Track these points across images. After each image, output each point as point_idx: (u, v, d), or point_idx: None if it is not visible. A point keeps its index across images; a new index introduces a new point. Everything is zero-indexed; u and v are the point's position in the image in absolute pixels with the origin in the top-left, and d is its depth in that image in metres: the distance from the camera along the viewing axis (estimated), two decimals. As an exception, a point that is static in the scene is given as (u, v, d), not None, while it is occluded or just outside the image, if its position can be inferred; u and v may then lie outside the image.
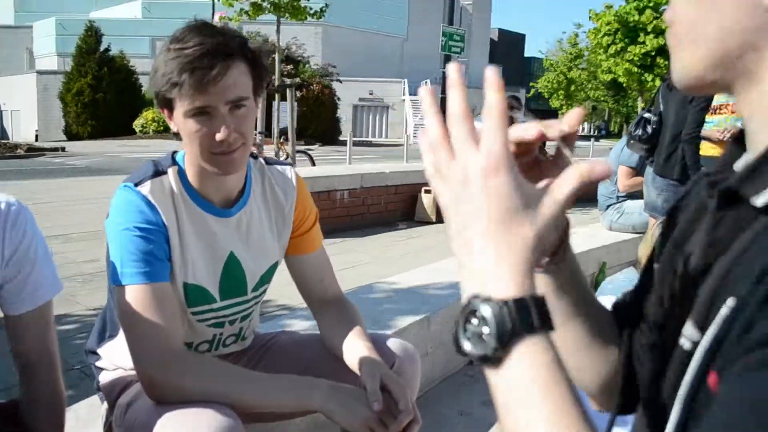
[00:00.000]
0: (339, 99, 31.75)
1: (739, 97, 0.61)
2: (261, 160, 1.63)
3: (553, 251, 0.77)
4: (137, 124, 29.65)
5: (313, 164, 10.58)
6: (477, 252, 0.54)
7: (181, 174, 1.47)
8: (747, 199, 0.57)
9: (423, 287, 3.23)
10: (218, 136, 1.33)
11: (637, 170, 5.06)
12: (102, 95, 29.64)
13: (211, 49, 1.29)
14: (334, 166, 10.41)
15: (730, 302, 0.51)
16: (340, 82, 32.09)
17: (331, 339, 1.62)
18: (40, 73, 36.21)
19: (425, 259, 4.44)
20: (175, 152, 1.51)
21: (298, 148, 10.09)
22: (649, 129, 4.19)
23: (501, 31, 72.32)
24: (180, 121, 1.35)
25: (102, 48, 30.59)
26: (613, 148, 5.53)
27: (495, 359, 0.52)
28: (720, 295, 0.54)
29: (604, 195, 5.36)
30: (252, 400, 1.34)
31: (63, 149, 22.23)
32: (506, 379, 0.52)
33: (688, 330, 0.60)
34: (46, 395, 1.35)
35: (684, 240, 0.71)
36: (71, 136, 30.25)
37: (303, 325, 2.45)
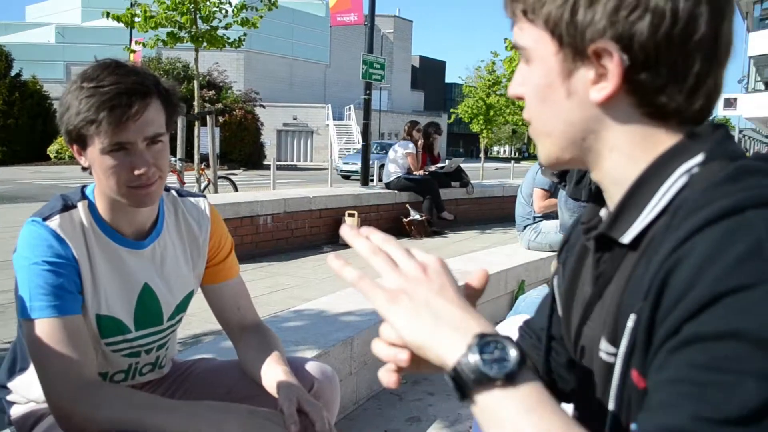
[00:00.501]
0: (262, 124, 31.63)
1: (590, 167, 0.80)
2: (173, 192, 1.65)
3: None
4: (52, 150, 28.64)
5: (236, 189, 10.48)
6: (454, 314, 0.67)
7: (92, 208, 1.47)
8: (616, 240, 0.75)
9: (346, 309, 3.27)
10: (137, 171, 1.35)
11: (551, 192, 5.28)
12: (14, 120, 28.53)
13: (129, 88, 1.32)
14: (257, 191, 10.34)
15: (632, 317, 0.67)
16: (263, 107, 32.00)
17: (250, 365, 1.63)
18: (-55, 98, 34.45)
19: (346, 284, 4.48)
20: (84, 186, 1.51)
21: (220, 173, 9.97)
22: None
23: (422, 58, 73.77)
24: (95, 156, 1.36)
25: (13, 73, 29.52)
26: (529, 170, 5.75)
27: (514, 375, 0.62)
28: (622, 315, 0.70)
29: (521, 216, 5.55)
30: (168, 428, 1.34)
31: (-30, 177, 21.19)
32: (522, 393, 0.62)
33: (604, 345, 0.76)
34: None
35: (576, 274, 0.90)
36: (-21, 163, 28.91)
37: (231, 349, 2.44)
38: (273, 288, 5.42)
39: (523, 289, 4.72)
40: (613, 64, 0.70)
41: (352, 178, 21.27)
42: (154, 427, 1.32)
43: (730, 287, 0.56)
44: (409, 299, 0.68)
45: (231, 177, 10.98)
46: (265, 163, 30.11)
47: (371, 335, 3.02)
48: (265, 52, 42.86)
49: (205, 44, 8.80)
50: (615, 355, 0.71)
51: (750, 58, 30.44)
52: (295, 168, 32.68)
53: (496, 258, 5.08)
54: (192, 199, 1.68)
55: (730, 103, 22.29)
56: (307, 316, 3.18)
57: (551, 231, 5.24)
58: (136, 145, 1.35)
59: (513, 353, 0.62)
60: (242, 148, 29.59)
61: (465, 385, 0.62)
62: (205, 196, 1.73)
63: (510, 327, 1.21)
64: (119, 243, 1.49)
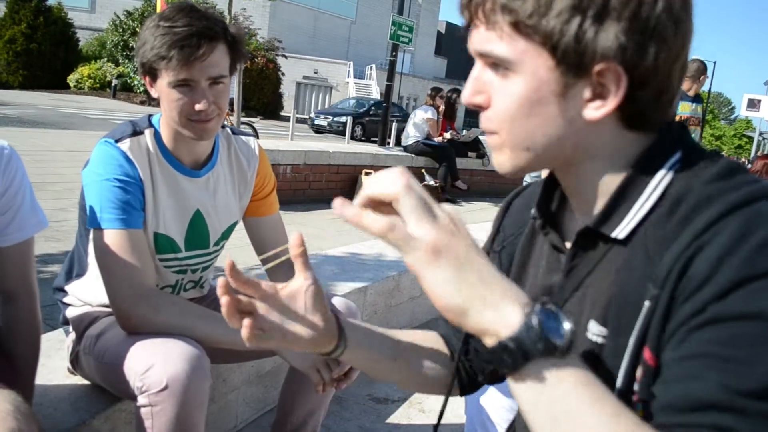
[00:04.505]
0: (283, 74, 31.47)
1: (559, 172, 0.81)
2: (228, 129, 1.80)
3: (332, 349, 0.88)
4: (72, 79, 28.62)
5: (257, 137, 10.59)
6: (497, 278, 0.64)
7: (157, 136, 1.62)
8: (605, 235, 0.76)
9: (360, 261, 3.43)
10: (198, 107, 1.50)
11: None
12: (36, 45, 28.44)
13: (199, 31, 1.47)
14: (277, 140, 10.46)
15: (647, 303, 0.67)
16: (286, 57, 31.77)
17: (283, 294, 1.79)
18: (-31, 16, 34.35)
19: (361, 238, 4.63)
20: (151, 115, 1.66)
21: (242, 119, 10.09)
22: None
23: (449, 24, 72.81)
24: (163, 89, 1.52)
25: (39, -3, 29.36)
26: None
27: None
28: (622, 301, 0.71)
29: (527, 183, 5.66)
30: (217, 337, 1.50)
31: (-9, 98, 21.30)
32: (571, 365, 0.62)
33: (595, 328, 0.75)
34: (25, 322, 1.44)
35: (525, 264, 0.92)
36: (0, 84, 28.97)
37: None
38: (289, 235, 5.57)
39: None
40: (616, 85, 0.70)
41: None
42: (203, 334, 1.49)
43: (755, 273, 0.60)
44: (454, 257, 0.62)
45: (252, 124, 11.10)
46: (283, 114, 30.05)
47: (382, 287, 3.20)
48: (291, 2, 42.46)
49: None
50: (605, 336, 0.73)
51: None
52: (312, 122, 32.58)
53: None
54: (243, 137, 1.82)
55: (753, 104, 22.08)
56: (322, 263, 3.34)
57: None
58: (200, 83, 1.50)
59: (567, 324, 0.61)
60: (261, 97, 29.49)
61: (528, 354, 0.59)
62: (255, 136, 1.88)
63: None
64: (178, 170, 1.64)
